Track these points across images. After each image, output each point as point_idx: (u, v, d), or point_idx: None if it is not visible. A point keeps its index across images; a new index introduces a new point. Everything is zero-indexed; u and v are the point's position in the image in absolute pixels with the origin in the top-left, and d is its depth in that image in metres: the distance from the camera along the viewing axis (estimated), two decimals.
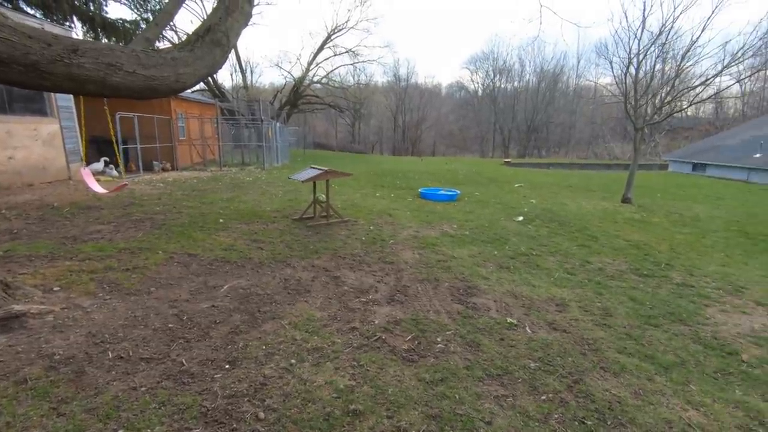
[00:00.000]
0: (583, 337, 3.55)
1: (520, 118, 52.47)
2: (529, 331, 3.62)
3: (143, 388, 2.53)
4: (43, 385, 2.50)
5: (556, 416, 2.50)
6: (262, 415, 2.36)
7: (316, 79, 37.91)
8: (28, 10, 13.96)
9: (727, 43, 11.17)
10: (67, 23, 15.00)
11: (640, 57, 11.42)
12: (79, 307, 3.56)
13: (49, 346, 2.93)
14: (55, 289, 3.87)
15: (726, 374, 3.10)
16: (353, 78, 43.97)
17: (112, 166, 12.47)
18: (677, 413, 2.60)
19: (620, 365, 3.12)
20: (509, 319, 3.80)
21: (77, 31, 15.92)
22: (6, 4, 13.07)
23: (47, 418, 2.23)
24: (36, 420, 2.20)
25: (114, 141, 10.82)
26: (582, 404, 2.63)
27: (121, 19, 16.81)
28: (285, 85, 39.26)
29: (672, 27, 11.02)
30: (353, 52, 37.29)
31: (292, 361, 2.94)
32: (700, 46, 11.60)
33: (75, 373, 2.64)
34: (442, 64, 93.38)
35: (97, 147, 12.92)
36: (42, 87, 3.88)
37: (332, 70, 38.82)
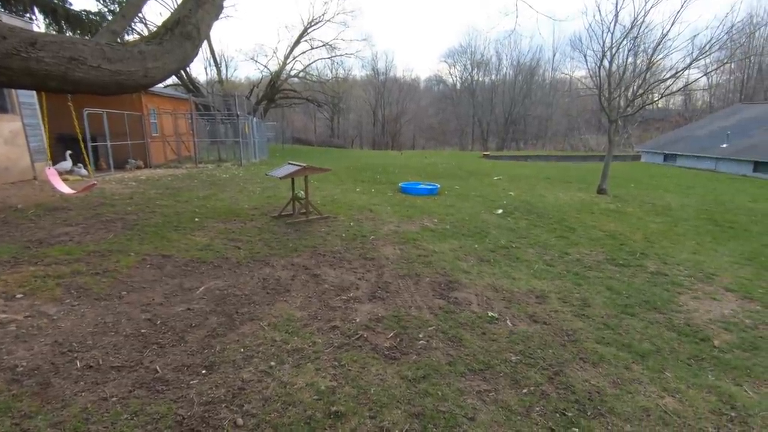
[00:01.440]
0: (562, 328, 3.59)
1: (498, 111, 53.03)
2: (510, 324, 3.64)
3: (114, 398, 2.42)
4: (4, 399, 2.36)
5: (537, 409, 2.52)
6: (240, 421, 2.29)
7: (293, 73, 37.36)
8: None
9: (695, 36, 11.52)
10: (28, 15, 14.28)
11: (613, 50, 11.63)
12: (45, 314, 3.39)
13: (11, 357, 2.77)
14: (17, 296, 3.68)
15: (699, 360, 3.18)
16: (331, 72, 43.49)
17: (80, 165, 11.99)
18: (654, 401, 2.65)
19: (599, 355, 3.17)
20: (490, 313, 3.82)
21: (39, 23, 15.21)
22: None
23: None
24: None
25: (81, 139, 10.38)
26: (563, 396, 2.66)
27: (85, 10, 16.12)
28: (261, 79, 38.57)
29: (643, 21, 11.25)
30: (330, 45, 36.89)
31: (272, 363, 2.87)
32: (670, 40, 11.88)
33: (40, 385, 2.51)
34: (421, 58, 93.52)
35: (65, 145, 12.39)
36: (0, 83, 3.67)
37: (309, 64, 38.30)
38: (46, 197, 8.17)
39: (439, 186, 11.28)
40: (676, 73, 11.48)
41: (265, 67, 38.05)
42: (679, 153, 24.53)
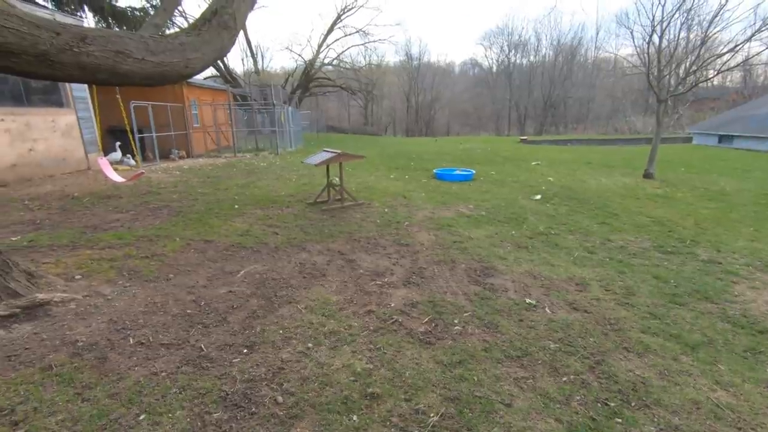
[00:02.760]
0: (604, 317, 3.46)
1: (536, 94, 51.07)
2: (548, 311, 3.54)
3: (164, 373, 2.57)
4: (67, 371, 2.56)
5: (577, 398, 2.45)
6: (280, 399, 2.38)
7: (327, 61, 37.55)
8: (40, 1, 14.03)
9: (758, 5, 10.55)
10: (78, 13, 15.06)
11: (664, 25, 10.87)
12: (101, 294, 3.63)
13: (72, 333, 2.99)
14: (76, 277, 3.95)
15: (756, 353, 2.98)
16: (364, 59, 43.44)
17: (129, 155, 12.65)
18: (705, 393, 2.51)
19: (644, 345, 3.03)
20: (528, 300, 3.73)
21: (88, 20, 16.00)
22: None
23: (72, 403, 2.28)
24: (62, 405, 2.26)
25: (129, 130, 10.92)
26: (605, 385, 2.57)
27: (130, 6, 16.83)
28: (296, 68, 39.02)
29: None
30: (364, 31, 36.72)
31: (309, 344, 2.95)
32: (728, 11, 11.00)
33: (98, 359, 2.70)
34: (456, 41, 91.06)
35: (114, 137, 13.10)
36: (53, 77, 3.89)
37: (343, 51, 38.44)
38: (99, 186, 8.69)
39: (474, 172, 11.07)
40: (735, 46, 10.56)
41: (300, 56, 38.54)
42: (736, 134, 22.76)
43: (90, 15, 15.95)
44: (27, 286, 3.38)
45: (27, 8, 8.47)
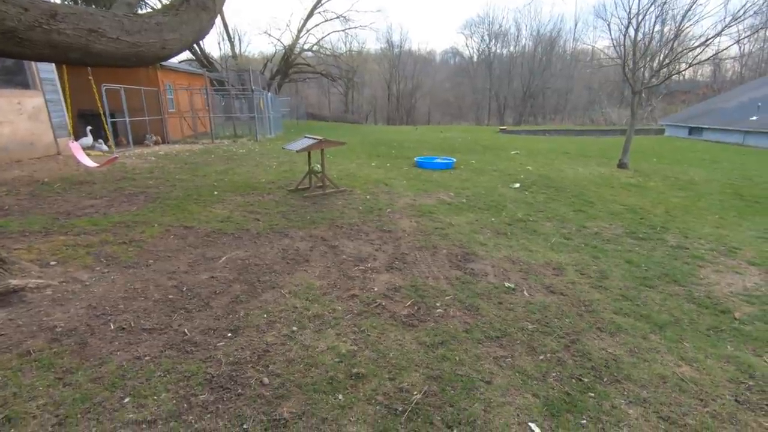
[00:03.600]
0: (579, 299, 3.61)
1: (516, 85, 51.56)
2: (526, 294, 3.66)
3: (147, 357, 2.56)
4: (46, 356, 2.51)
5: (553, 374, 2.57)
6: (266, 380, 2.40)
7: (307, 46, 36.84)
8: None
9: (728, 1, 10.89)
10: None
11: (640, 18, 11.12)
12: (78, 280, 3.55)
13: (50, 319, 2.93)
14: (51, 263, 3.85)
15: (718, 331, 3.17)
16: (345, 45, 42.82)
17: (101, 140, 12.21)
18: (671, 369, 2.67)
19: (616, 325, 3.18)
20: (507, 284, 3.84)
21: None
22: None
23: (53, 387, 2.25)
24: (42, 390, 2.23)
25: (102, 114, 10.55)
26: (579, 363, 2.70)
27: None
28: (275, 53, 38.15)
29: None
30: (344, 17, 36.15)
31: (294, 328, 2.97)
32: (701, 5, 11.31)
33: (78, 344, 2.66)
34: (437, 30, 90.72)
35: (85, 121, 12.60)
36: (22, 55, 3.73)
37: (323, 37, 37.79)
38: (70, 171, 8.39)
39: (455, 160, 11.17)
40: (706, 40, 10.93)
41: (279, 40, 37.66)
42: (705, 126, 23.61)
43: None
44: None
45: None
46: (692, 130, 24.79)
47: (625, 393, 2.42)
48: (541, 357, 2.74)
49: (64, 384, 2.29)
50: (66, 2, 14.65)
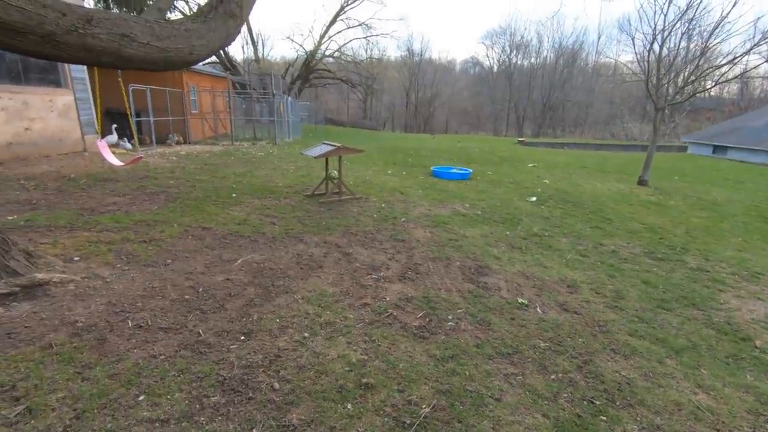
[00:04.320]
0: (594, 318, 3.55)
1: (535, 96, 51.25)
2: (539, 311, 3.63)
3: (162, 357, 2.62)
4: (67, 350, 2.59)
5: (565, 395, 2.53)
6: (277, 385, 2.43)
7: (328, 52, 37.36)
8: None
9: (758, 19, 10.70)
10: None
11: (665, 33, 10.97)
12: (99, 276, 3.66)
13: (71, 313, 3.02)
14: (75, 258, 3.97)
15: (738, 359, 3.09)
16: (366, 52, 43.24)
17: (125, 138, 12.55)
18: (687, 396, 2.61)
19: (631, 347, 3.13)
20: (520, 299, 3.81)
21: (88, 1, 15.77)
22: None
23: (72, 381, 2.32)
24: (62, 383, 2.30)
25: (128, 114, 10.84)
26: (591, 384, 2.66)
27: None
28: (297, 58, 38.77)
29: (701, 2, 10.51)
30: (366, 25, 36.56)
31: (305, 334, 3.00)
32: (729, 22, 11.10)
33: (97, 340, 2.74)
34: (458, 39, 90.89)
35: (111, 119, 12.99)
36: (58, 58, 3.88)
37: (345, 44, 38.23)
38: (95, 168, 8.64)
39: (471, 171, 11.15)
40: (734, 58, 10.72)
41: (301, 46, 38.29)
42: (730, 145, 23.05)
43: None
44: (26, 266, 3.40)
45: None
46: (716, 149, 24.22)
47: (638, 418, 2.38)
48: (553, 376, 2.71)
49: (82, 378, 2.36)
50: (99, 6, 15.20)
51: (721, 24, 10.65)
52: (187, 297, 3.43)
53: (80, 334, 2.78)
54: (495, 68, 55.87)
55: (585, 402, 2.48)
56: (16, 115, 8.93)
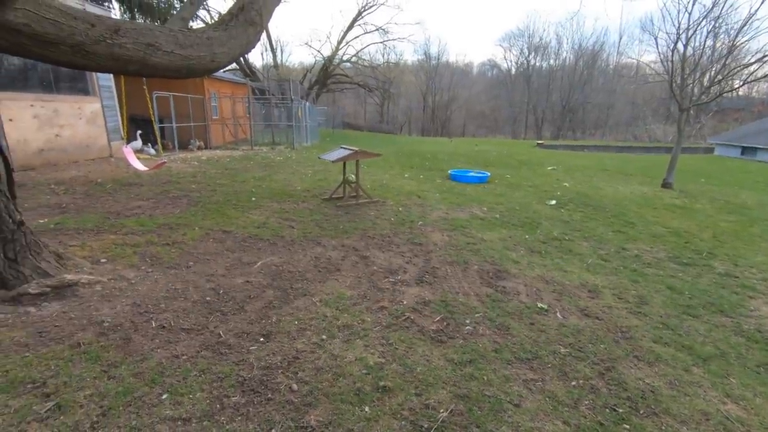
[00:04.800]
0: (616, 324, 3.47)
1: (555, 98, 50.57)
2: (560, 316, 3.57)
3: (184, 357, 2.68)
4: (94, 349, 2.68)
5: (586, 402, 2.48)
6: (295, 386, 2.46)
7: (345, 58, 37.72)
8: None
9: None
10: (106, 3, 15.39)
11: (690, 32, 10.70)
12: (125, 278, 3.77)
13: (98, 313, 3.12)
14: (102, 260, 4.10)
15: None
16: (383, 57, 43.50)
17: (150, 144, 12.92)
18: (715, 405, 2.52)
19: (655, 354, 3.05)
20: (540, 304, 3.76)
21: (115, 11, 16.34)
22: None
23: (99, 379, 2.40)
24: (89, 381, 2.38)
25: (152, 120, 11.15)
26: (614, 392, 2.60)
27: None
28: (314, 64, 39.25)
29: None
30: (383, 29, 36.76)
31: (323, 336, 3.03)
32: (758, 20, 10.75)
33: (123, 339, 2.82)
34: (475, 42, 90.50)
35: (136, 125, 13.40)
36: (86, 67, 4.02)
37: (362, 49, 38.57)
38: (121, 173, 8.92)
39: (489, 174, 11.05)
40: (764, 57, 10.36)
41: (319, 52, 38.74)
42: (760, 146, 22.25)
43: (117, 5, 16.29)
44: (56, 267, 3.53)
45: None
46: (745, 150, 23.42)
47: (663, 427, 2.31)
48: (574, 383, 2.66)
49: (108, 377, 2.43)
50: (125, 17, 15.72)
51: (750, 21, 10.34)
52: (208, 299, 3.50)
53: (106, 333, 2.87)
54: (513, 70, 55.47)
55: (607, 410, 2.43)
56: (47, 123, 9.30)
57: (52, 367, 2.47)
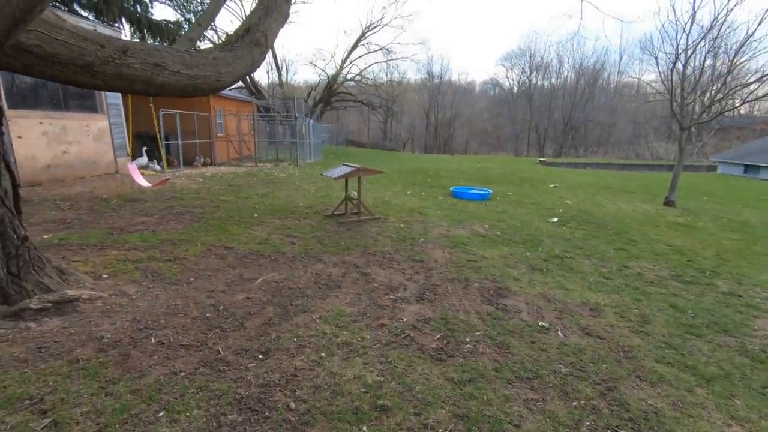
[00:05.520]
0: (618, 344, 3.44)
1: (556, 116, 50.96)
2: (561, 335, 3.54)
3: (182, 374, 2.67)
4: (93, 365, 2.68)
5: (587, 423, 2.45)
6: (293, 405, 2.44)
7: (349, 76, 38.34)
8: (82, 12, 14.81)
9: None
10: (116, 24, 15.80)
11: (689, 52, 10.85)
12: (125, 294, 3.78)
13: (98, 329, 3.13)
14: (103, 276, 4.12)
15: None
16: (386, 75, 44.14)
17: (155, 160, 13.08)
18: (719, 428, 2.48)
19: (658, 375, 3.01)
20: (541, 323, 3.73)
21: (125, 32, 16.76)
22: (62, 7, 13.91)
23: (96, 396, 2.39)
24: (87, 398, 2.37)
25: (158, 137, 11.32)
26: (615, 413, 2.56)
27: (165, 20, 17.59)
28: (319, 82, 39.87)
29: (725, 20, 10.39)
30: (387, 49, 37.43)
31: (322, 354, 3.01)
32: (756, 40, 10.90)
33: (121, 355, 2.82)
34: (477, 61, 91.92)
35: (142, 142, 13.59)
36: (94, 86, 4.13)
37: (366, 68, 39.11)
38: (126, 189, 9.01)
39: (491, 191, 11.09)
40: (763, 76, 10.48)
41: (323, 71, 39.35)
42: (763, 164, 22.26)
43: (127, 26, 16.72)
44: (58, 282, 3.55)
45: (73, 20, 8.96)
46: (748, 168, 23.43)
47: None
48: (575, 403, 2.63)
49: (106, 393, 2.42)
50: (135, 37, 16.11)
51: (748, 42, 10.48)
52: (208, 315, 3.50)
53: (106, 349, 2.87)
54: (515, 89, 56.08)
55: (609, 431, 2.39)
56: (55, 140, 9.46)
57: (50, 383, 2.47)
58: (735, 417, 2.59)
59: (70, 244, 5.05)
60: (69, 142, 9.82)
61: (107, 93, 10.85)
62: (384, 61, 39.69)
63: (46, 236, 5.34)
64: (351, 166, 7.31)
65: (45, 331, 3.05)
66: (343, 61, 37.29)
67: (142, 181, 8.50)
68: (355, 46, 36.87)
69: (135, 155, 12.45)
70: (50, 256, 3.83)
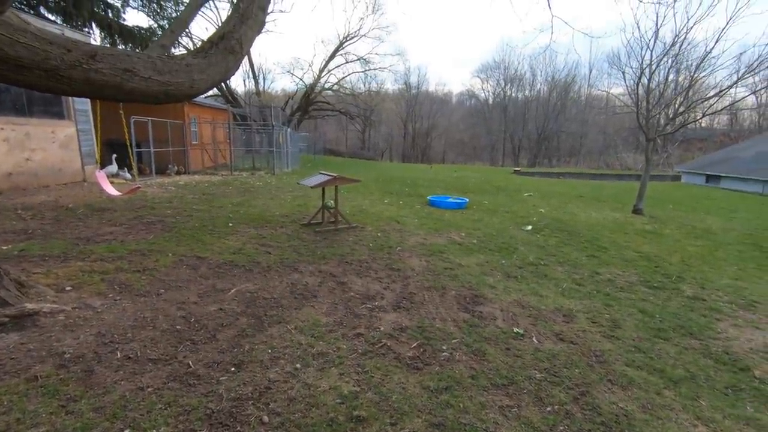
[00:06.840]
0: (590, 348, 3.51)
1: (530, 127, 52.36)
2: (535, 341, 3.59)
3: (150, 389, 2.56)
4: (53, 383, 2.54)
5: (561, 428, 2.47)
6: (266, 418, 2.37)
7: (327, 85, 38.36)
8: (49, 16, 14.35)
9: (742, 54, 11.09)
10: (86, 29, 15.37)
11: (653, 67, 11.36)
12: (90, 307, 3.62)
13: (59, 344, 2.98)
14: (67, 288, 3.94)
15: (737, 390, 3.03)
16: (364, 85, 44.41)
17: (125, 169, 12.69)
18: (686, 428, 2.55)
19: (628, 378, 3.08)
20: (516, 329, 3.77)
21: (95, 37, 16.32)
22: (28, 11, 13.44)
23: (56, 415, 2.26)
24: (45, 417, 2.24)
25: (128, 144, 11.00)
26: (588, 417, 2.60)
27: (137, 26, 17.20)
28: (297, 91, 39.73)
29: (685, 38, 10.95)
30: (365, 59, 37.69)
31: (297, 365, 2.95)
32: (714, 57, 11.49)
33: (84, 371, 2.68)
34: (454, 73, 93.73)
35: (112, 150, 13.18)
36: (61, 91, 3.98)
37: (343, 78, 39.21)
38: (93, 198, 8.69)
39: (467, 200, 11.24)
40: (720, 91, 11.06)
41: (301, 80, 39.25)
42: (723, 174, 23.41)
43: (97, 32, 16.28)
44: (17, 296, 3.37)
45: (39, 24, 8.67)
46: (710, 178, 24.58)
47: None
48: (549, 408, 2.66)
49: (66, 412, 2.30)
50: (105, 43, 15.71)
51: (706, 58, 11.05)
52: (178, 327, 3.39)
53: (67, 365, 2.73)
54: (490, 100, 57.31)
55: None
56: (18, 146, 9.06)
57: (5, 403, 2.32)
58: (701, 417, 2.68)
59: (32, 255, 4.82)
60: (33, 149, 9.42)
61: (75, 99, 10.50)
62: (362, 71, 39.98)
63: (4, 247, 5.08)
64: (328, 175, 7.28)
65: (1, 347, 2.88)
66: (321, 71, 37.35)
67: (111, 190, 8.22)
68: (333, 56, 37.02)
69: (104, 163, 12.05)
70: (8, 268, 3.63)
